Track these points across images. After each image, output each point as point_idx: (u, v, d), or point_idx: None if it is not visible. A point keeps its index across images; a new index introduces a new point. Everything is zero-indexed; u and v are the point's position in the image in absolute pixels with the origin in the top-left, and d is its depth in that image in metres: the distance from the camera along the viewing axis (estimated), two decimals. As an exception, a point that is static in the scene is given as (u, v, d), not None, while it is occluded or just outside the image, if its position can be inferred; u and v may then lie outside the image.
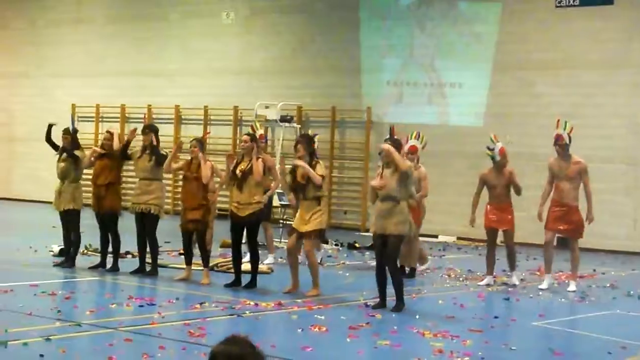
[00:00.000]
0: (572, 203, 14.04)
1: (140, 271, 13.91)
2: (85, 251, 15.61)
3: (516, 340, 10.34)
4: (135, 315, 10.79)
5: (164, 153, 14.01)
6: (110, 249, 14.24)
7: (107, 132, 14.56)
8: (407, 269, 15.10)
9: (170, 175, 22.01)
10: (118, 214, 14.15)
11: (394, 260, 11.89)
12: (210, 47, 26.03)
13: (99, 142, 14.46)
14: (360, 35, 23.84)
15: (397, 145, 12.05)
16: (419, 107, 22.90)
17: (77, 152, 14.29)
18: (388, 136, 14.01)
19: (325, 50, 24.26)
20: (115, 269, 14.03)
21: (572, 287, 14.10)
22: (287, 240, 16.80)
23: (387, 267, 11.87)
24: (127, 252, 15.24)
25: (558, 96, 20.97)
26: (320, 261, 15.52)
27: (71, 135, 14.48)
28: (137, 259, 14.25)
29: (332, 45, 24.18)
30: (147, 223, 13.86)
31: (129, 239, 14.64)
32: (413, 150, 15.14)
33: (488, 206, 14.68)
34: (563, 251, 14.71)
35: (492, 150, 14.55)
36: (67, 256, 14.43)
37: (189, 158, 13.54)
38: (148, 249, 13.92)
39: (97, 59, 27.91)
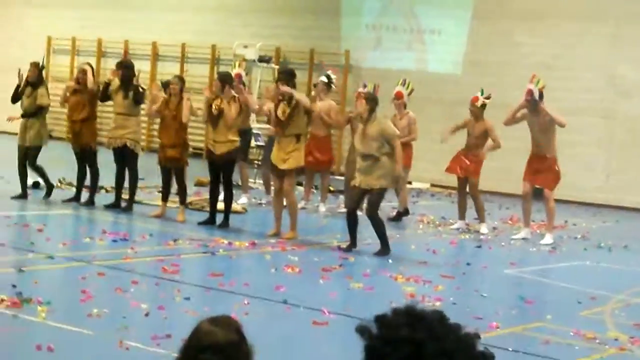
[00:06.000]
0: (548, 154, 14.03)
1: (115, 206, 13.86)
2: (59, 185, 15.52)
3: (487, 287, 10.43)
4: (109, 250, 10.79)
5: (142, 90, 13.93)
6: (87, 183, 14.16)
7: (81, 68, 14.41)
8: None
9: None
10: (94, 149, 14.06)
11: (375, 210, 11.95)
12: (189, -17, 25.74)
13: (74, 77, 14.26)
14: (341, -23, 23.64)
15: (374, 101, 12.01)
16: (397, 52, 22.78)
17: (40, 89, 14.15)
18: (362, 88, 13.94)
19: (305, -10, 24.04)
20: (90, 203, 13.98)
21: (548, 239, 14.10)
22: (261, 181, 16.86)
23: (369, 218, 11.94)
24: (101, 187, 15.16)
25: (536, 46, 20.93)
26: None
27: (39, 69, 14.35)
28: (112, 194, 14.22)
29: (312, -15, 23.96)
30: (127, 158, 13.80)
31: (103, 174, 14.55)
32: (399, 96, 15.31)
33: (459, 152, 14.78)
34: (538, 202, 14.78)
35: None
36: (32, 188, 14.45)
37: (167, 95, 13.44)
38: (126, 184, 13.89)
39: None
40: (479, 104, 14.54)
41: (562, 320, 8.95)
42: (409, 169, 15.44)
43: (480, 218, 14.82)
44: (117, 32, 26.33)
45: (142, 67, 25.35)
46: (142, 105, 14.09)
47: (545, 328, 8.65)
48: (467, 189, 14.81)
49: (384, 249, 11.94)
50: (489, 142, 14.49)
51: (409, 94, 15.53)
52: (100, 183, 14.55)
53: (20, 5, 28.48)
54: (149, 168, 15.97)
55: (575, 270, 12.32)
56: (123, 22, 26.41)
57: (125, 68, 13.96)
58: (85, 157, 14.05)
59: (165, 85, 13.69)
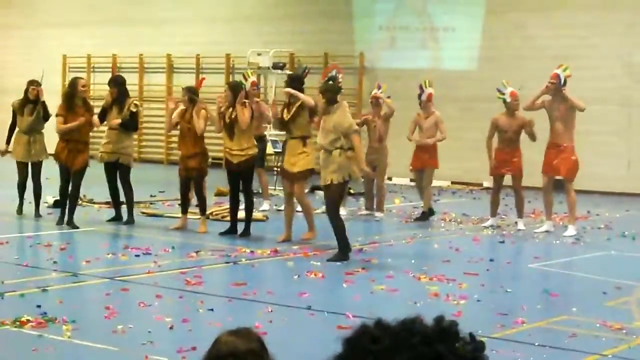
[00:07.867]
0: (566, 143, 13.99)
1: (116, 219, 13.90)
2: (81, 202, 15.53)
3: (512, 283, 10.39)
4: (132, 265, 10.81)
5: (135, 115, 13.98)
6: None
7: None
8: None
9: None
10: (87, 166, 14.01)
11: (331, 207, 11.77)
12: (201, -5, 25.80)
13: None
14: (352, -20, 23.63)
15: (330, 92, 11.91)
16: (411, 51, 22.75)
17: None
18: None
19: (316, -5, 24.04)
20: (70, 222, 13.61)
21: (571, 231, 14.04)
22: (281, 188, 16.85)
23: (327, 216, 11.81)
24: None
25: (551, 38, 20.85)
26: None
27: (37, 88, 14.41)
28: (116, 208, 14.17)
29: (323, -10, 23.96)
30: (120, 172, 13.81)
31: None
32: (430, 98, 15.48)
33: (495, 152, 14.65)
34: (559, 194, 14.69)
35: (503, 93, 14.53)
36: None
37: (183, 107, 13.47)
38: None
39: (87, 8, 27.61)
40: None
41: (587, 312, 8.89)
42: (435, 168, 15.54)
43: (520, 213, 14.76)
44: (131, 46, 26.43)
45: (157, 80, 25.71)
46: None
47: (571, 321, 8.59)
48: (511, 185, 14.75)
49: (341, 254, 11.47)
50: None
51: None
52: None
53: (37, 27, 28.59)
54: (169, 180, 16.00)
55: (599, 260, 12.24)
56: (137, 37, 26.51)
57: (117, 84, 14.01)
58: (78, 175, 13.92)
59: (189, 90, 13.65)
